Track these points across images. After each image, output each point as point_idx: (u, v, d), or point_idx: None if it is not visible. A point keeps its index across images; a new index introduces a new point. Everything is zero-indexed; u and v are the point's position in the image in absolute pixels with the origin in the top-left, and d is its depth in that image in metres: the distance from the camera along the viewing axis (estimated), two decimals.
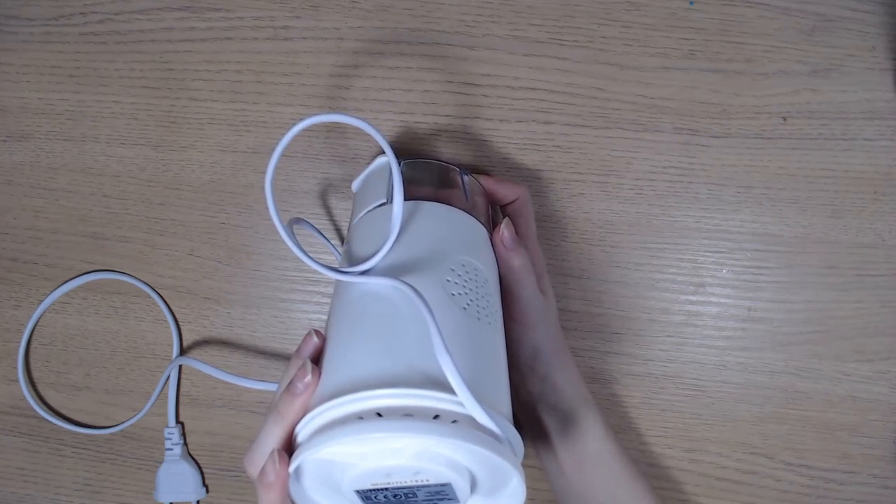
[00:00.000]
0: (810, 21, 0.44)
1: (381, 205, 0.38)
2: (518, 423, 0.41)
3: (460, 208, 0.38)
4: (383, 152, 0.40)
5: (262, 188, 0.48)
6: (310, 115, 0.34)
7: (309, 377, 0.30)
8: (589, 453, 0.41)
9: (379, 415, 0.27)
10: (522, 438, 0.30)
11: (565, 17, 0.45)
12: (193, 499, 0.51)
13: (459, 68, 0.46)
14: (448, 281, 0.33)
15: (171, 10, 0.47)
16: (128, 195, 0.49)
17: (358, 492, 0.29)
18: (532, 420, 0.42)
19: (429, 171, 0.41)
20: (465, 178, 0.41)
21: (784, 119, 0.45)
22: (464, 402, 0.27)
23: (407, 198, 0.36)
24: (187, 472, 0.51)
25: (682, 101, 0.45)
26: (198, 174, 0.49)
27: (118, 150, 0.49)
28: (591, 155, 0.46)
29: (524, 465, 0.49)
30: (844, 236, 0.46)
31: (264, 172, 0.48)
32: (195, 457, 0.51)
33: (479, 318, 0.33)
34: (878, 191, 0.45)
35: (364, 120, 0.34)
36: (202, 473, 0.51)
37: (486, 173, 0.46)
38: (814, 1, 0.44)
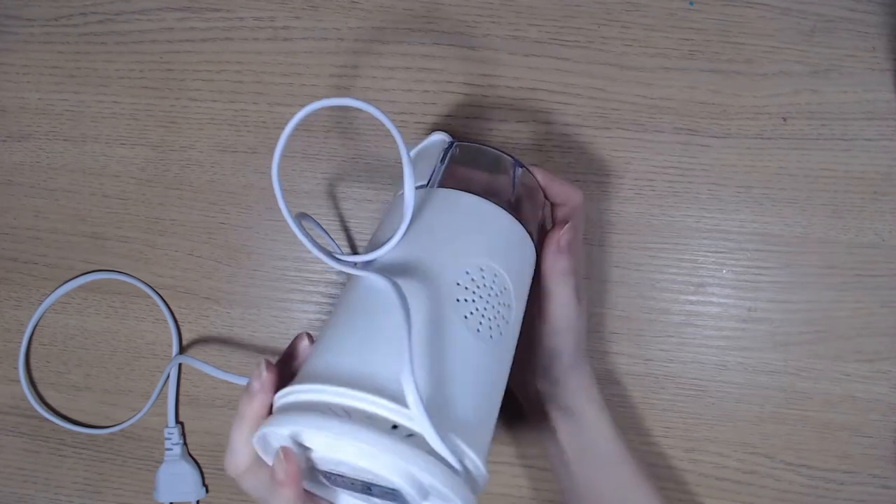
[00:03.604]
0: (810, 21, 0.44)
1: (420, 186, 0.36)
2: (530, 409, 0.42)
3: (502, 202, 0.36)
4: (436, 131, 0.40)
5: (262, 188, 0.48)
6: (319, 99, 0.32)
7: (264, 375, 0.31)
8: (597, 454, 0.41)
9: (346, 412, 0.27)
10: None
11: (565, 18, 0.45)
12: (193, 499, 0.51)
13: (459, 68, 0.46)
14: (458, 285, 0.32)
15: (171, 10, 0.47)
16: (128, 195, 0.49)
17: (320, 471, 0.30)
18: (540, 416, 0.42)
19: (477, 158, 0.39)
20: (518, 170, 0.39)
21: (784, 119, 0.45)
22: (417, 421, 0.26)
23: (445, 184, 0.36)
24: (187, 471, 0.51)
25: (682, 101, 0.45)
26: (198, 174, 0.49)
27: (118, 150, 0.49)
28: (590, 155, 0.46)
29: (525, 465, 0.49)
30: (844, 236, 0.46)
31: (265, 172, 0.48)
32: (195, 457, 0.51)
33: (479, 330, 0.31)
34: (878, 191, 0.45)
35: (374, 105, 0.32)
36: (202, 473, 0.51)
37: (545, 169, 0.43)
38: (814, 1, 0.44)
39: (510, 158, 0.39)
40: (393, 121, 0.46)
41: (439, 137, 0.40)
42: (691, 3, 0.45)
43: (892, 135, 0.45)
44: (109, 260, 0.50)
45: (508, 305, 0.34)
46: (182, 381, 0.51)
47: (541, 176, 0.40)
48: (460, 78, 0.46)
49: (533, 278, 0.38)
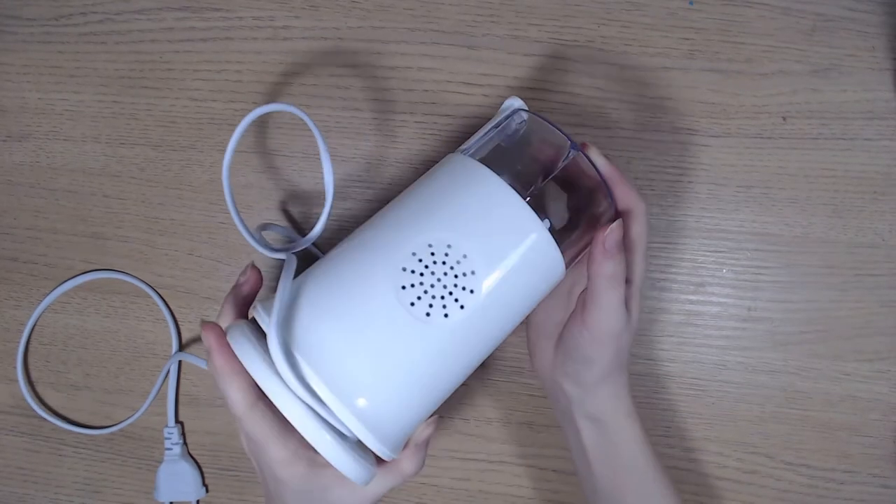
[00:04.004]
0: (810, 21, 0.44)
1: (462, 150, 0.37)
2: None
3: (524, 181, 0.34)
4: (513, 96, 0.39)
5: (262, 188, 0.48)
6: (253, 110, 0.37)
7: (247, 275, 0.38)
8: (622, 462, 0.40)
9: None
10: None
11: (565, 17, 0.45)
12: (193, 498, 0.51)
13: (459, 68, 0.46)
14: (413, 255, 0.32)
15: (171, 10, 0.47)
16: (128, 195, 0.49)
17: None
18: (564, 415, 0.41)
19: (535, 133, 0.37)
20: (572, 152, 0.36)
21: (784, 119, 0.45)
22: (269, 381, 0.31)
23: (480, 152, 0.36)
24: (187, 471, 0.51)
25: (682, 101, 0.45)
26: (198, 174, 0.49)
27: (118, 150, 0.49)
28: None
29: (525, 465, 0.49)
30: (844, 236, 0.46)
31: (265, 172, 0.48)
32: (195, 456, 0.51)
33: (429, 314, 0.32)
34: (878, 191, 0.45)
35: (298, 107, 0.37)
36: (202, 473, 0.51)
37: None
38: (814, 1, 0.44)
39: (567, 142, 0.36)
40: (393, 121, 0.47)
41: (509, 103, 0.39)
42: (691, 3, 0.45)
43: (892, 135, 0.45)
44: (109, 260, 0.50)
45: (471, 272, 0.33)
46: (182, 380, 0.51)
47: (605, 168, 0.37)
48: (460, 78, 0.46)
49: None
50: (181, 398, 0.51)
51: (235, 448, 0.51)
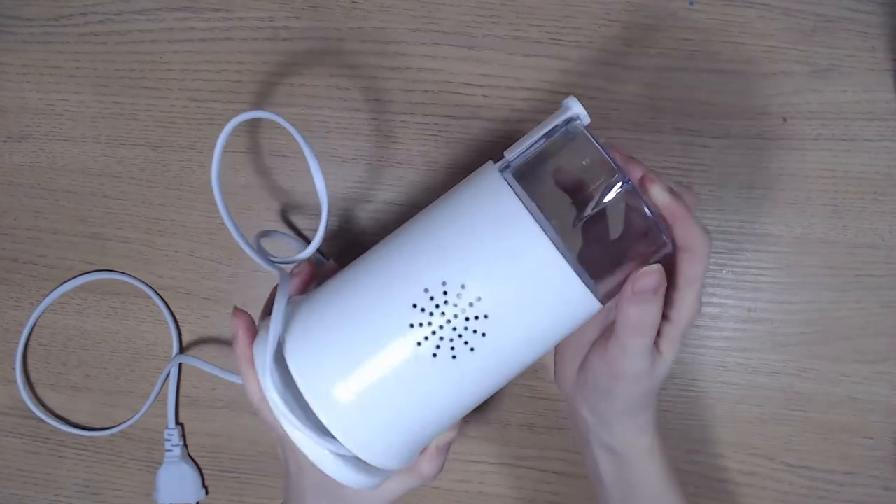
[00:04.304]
0: (810, 21, 0.44)
1: (497, 159, 0.32)
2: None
3: (561, 216, 0.30)
4: (571, 96, 0.32)
5: (262, 188, 0.48)
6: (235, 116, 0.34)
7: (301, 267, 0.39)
8: (640, 493, 0.38)
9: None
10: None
11: (565, 18, 0.45)
12: (193, 500, 0.51)
13: (459, 68, 0.46)
14: (426, 292, 0.30)
15: (171, 10, 0.47)
16: (128, 195, 0.49)
17: None
18: (584, 442, 0.39)
19: (579, 153, 0.32)
20: (623, 185, 0.30)
21: (784, 119, 0.45)
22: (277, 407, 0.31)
23: (521, 169, 0.31)
24: (187, 473, 0.51)
25: (682, 101, 0.45)
26: (198, 174, 0.49)
27: (118, 150, 0.49)
28: None
29: (525, 466, 0.49)
30: (844, 236, 0.46)
31: (265, 172, 0.48)
32: (195, 458, 0.51)
33: (436, 355, 0.30)
34: (878, 191, 0.45)
35: (279, 115, 0.35)
36: (202, 475, 0.51)
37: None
38: (814, 1, 0.44)
39: (616, 173, 0.30)
40: (393, 121, 0.47)
41: (567, 105, 0.32)
42: (691, 3, 0.45)
43: (892, 135, 0.45)
44: (109, 260, 0.50)
45: (484, 316, 0.30)
46: (182, 382, 0.51)
47: (668, 205, 0.32)
48: (460, 78, 0.46)
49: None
50: (181, 400, 0.51)
51: (236, 450, 0.51)
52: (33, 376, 0.52)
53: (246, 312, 0.36)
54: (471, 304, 0.30)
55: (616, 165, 0.30)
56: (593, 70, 0.45)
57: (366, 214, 0.48)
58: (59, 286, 0.50)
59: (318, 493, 0.37)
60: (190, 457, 0.51)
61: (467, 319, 0.30)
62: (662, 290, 0.31)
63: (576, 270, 0.30)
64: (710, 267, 0.46)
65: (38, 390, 0.52)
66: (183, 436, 0.51)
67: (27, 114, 0.49)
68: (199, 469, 0.51)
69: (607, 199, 0.30)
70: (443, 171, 0.47)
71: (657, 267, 0.31)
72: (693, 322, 0.34)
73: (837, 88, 0.45)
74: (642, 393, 0.35)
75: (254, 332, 0.35)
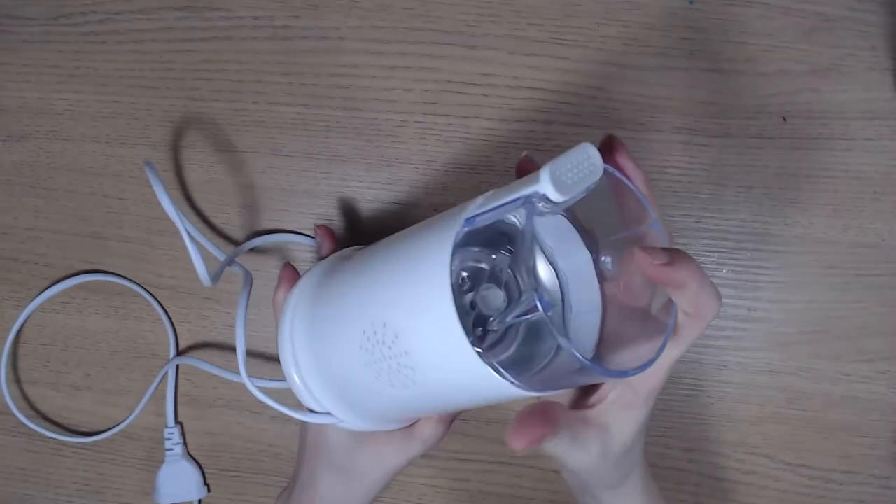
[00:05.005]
0: (810, 21, 0.44)
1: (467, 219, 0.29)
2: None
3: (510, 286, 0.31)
4: (587, 143, 0.27)
5: (262, 188, 0.48)
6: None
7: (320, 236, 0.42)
8: None
9: None
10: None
11: (565, 17, 0.45)
12: (194, 499, 0.51)
13: (459, 68, 0.46)
14: (371, 324, 0.31)
15: (171, 9, 0.47)
16: (128, 195, 0.49)
17: None
18: (573, 493, 0.38)
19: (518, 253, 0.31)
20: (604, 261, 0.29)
21: (784, 119, 0.45)
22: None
23: (477, 228, 0.29)
24: (188, 472, 0.51)
25: (682, 100, 0.45)
26: (198, 174, 0.49)
27: (118, 150, 0.49)
28: None
29: (525, 465, 0.49)
30: (844, 236, 0.46)
31: (265, 172, 0.48)
32: (195, 457, 0.51)
33: (375, 376, 0.32)
34: (878, 191, 0.45)
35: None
36: (203, 473, 0.51)
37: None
38: (814, 1, 0.44)
39: (535, 302, 0.25)
40: (393, 121, 0.47)
41: (532, 188, 0.26)
42: (691, 3, 0.45)
43: (892, 135, 0.45)
44: (109, 260, 0.50)
45: (412, 368, 0.30)
46: (182, 381, 0.51)
47: (681, 273, 0.27)
48: (460, 78, 0.46)
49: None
50: (181, 399, 0.51)
51: (236, 449, 0.51)
52: (34, 375, 0.52)
53: (290, 265, 0.40)
54: (394, 340, 0.30)
55: (598, 268, 0.30)
56: (593, 69, 0.45)
57: (365, 214, 0.48)
58: (51, 285, 0.50)
59: (327, 465, 0.39)
60: (190, 456, 0.51)
61: (398, 354, 0.30)
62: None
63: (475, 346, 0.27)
64: (711, 266, 0.46)
65: (38, 390, 0.52)
66: (183, 435, 0.51)
67: (27, 113, 0.49)
68: (200, 468, 0.51)
69: (516, 317, 0.30)
70: (442, 171, 0.47)
71: (621, 385, 0.32)
72: (656, 396, 0.32)
73: (837, 88, 0.45)
74: (607, 472, 0.33)
75: (291, 284, 0.39)
